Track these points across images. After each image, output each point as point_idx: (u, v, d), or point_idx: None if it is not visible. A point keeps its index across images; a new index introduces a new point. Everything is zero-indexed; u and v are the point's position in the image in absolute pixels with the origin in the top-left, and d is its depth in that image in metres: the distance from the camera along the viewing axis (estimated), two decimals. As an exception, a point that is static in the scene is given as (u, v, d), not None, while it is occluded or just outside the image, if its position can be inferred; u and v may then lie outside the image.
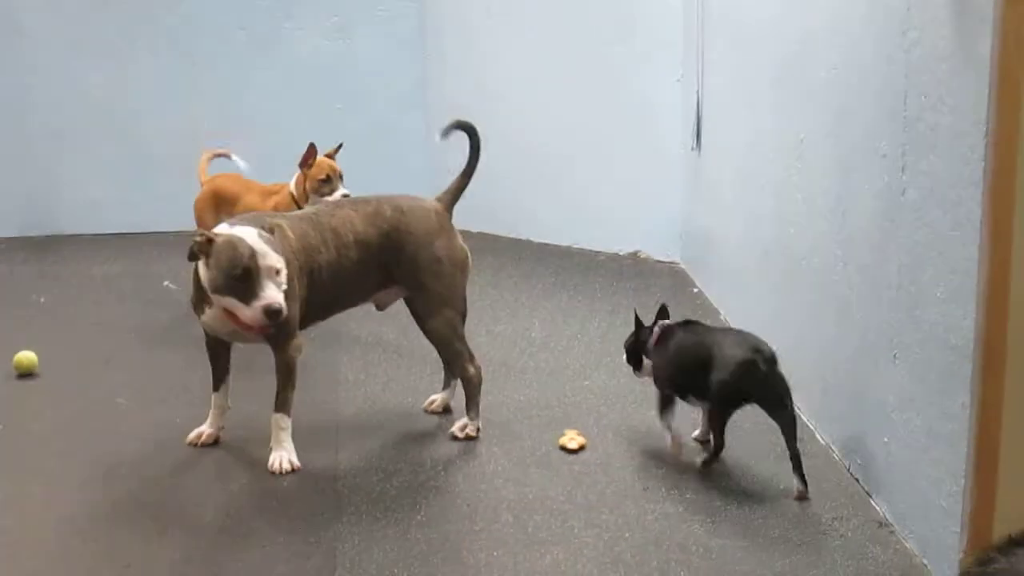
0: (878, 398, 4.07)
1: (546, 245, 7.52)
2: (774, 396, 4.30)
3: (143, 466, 4.57)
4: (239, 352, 4.75)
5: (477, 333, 5.96)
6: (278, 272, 4.19)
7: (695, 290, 6.63)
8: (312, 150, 6.02)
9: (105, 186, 8.14)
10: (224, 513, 4.13)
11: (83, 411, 5.16)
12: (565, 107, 7.49)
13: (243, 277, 4.15)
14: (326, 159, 6.11)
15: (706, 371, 4.34)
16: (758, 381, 4.28)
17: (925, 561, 3.71)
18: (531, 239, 7.63)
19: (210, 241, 4.21)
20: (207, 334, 4.58)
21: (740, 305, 5.94)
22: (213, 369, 4.65)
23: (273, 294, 4.16)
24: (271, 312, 4.15)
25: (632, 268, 7.13)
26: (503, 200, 7.80)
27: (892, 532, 3.94)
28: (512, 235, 7.78)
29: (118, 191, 8.17)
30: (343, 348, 5.85)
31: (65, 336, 6.10)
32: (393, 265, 4.70)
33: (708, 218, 6.57)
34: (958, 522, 3.47)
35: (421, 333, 4.84)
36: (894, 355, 3.92)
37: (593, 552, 3.87)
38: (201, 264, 4.28)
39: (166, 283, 6.85)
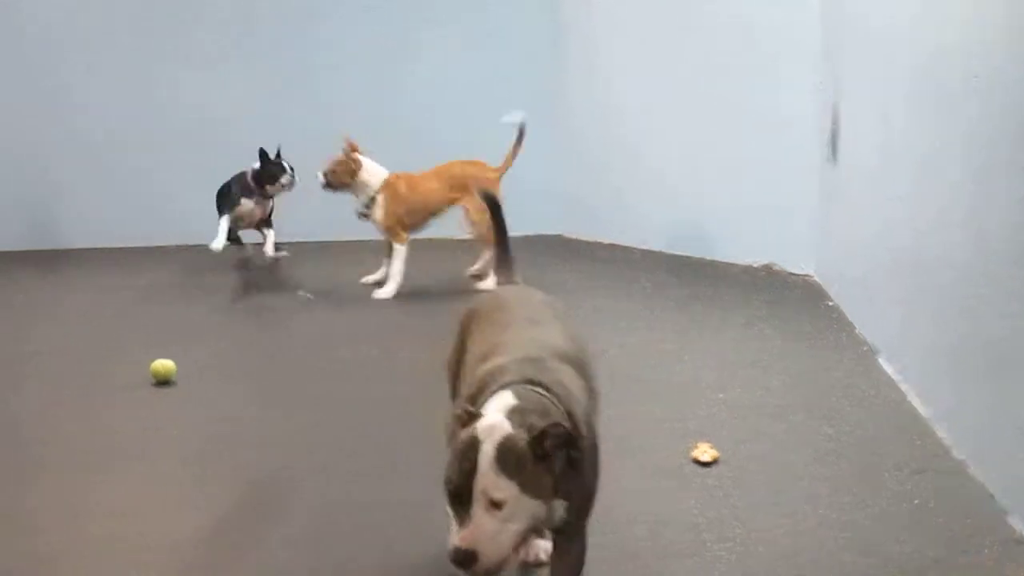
0: (1014, 413, 4.02)
1: (678, 257, 7.50)
2: None
3: (276, 474, 4.66)
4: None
5: (609, 345, 5.98)
6: (496, 504, 2.82)
7: (829, 303, 6.57)
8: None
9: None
10: (352, 523, 4.14)
11: (217, 418, 5.26)
12: (698, 118, 7.47)
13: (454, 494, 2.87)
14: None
15: None
16: None
17: (1063, 580, 3.66)
18: (663, 251, 7.62)
19: (471, 417, 2.92)
20: None
21: (874, 318, 5.88)
22: None
23: (473, 531, 2.82)
24: (456, 558, 2.85)
25: (766, 280, 7.09)
26: (635, 212, 7.81)
27: (1029, 550, 3.89)
28: (644, 247, 7.78)
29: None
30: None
31: (202, 344, 6.22)
32: None
33: (842, 230, 6.51)
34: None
35: None
36: (1031, 370, 3.87)
37: (725, 566, 3.86)
38: None
39: (301, 292, 6.95)
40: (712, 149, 7.44)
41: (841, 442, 4.81)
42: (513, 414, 2.88)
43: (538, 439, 2.82)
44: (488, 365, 3.16)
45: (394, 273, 7.02)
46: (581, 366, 3.25)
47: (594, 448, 3.11)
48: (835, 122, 6.53)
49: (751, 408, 5.17)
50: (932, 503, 4.25)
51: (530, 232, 8.13)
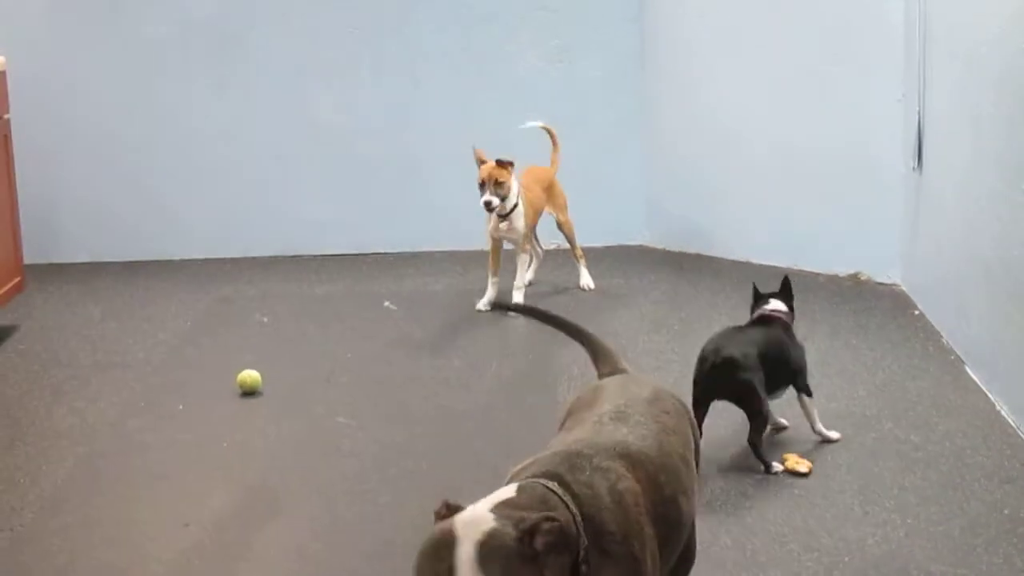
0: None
1: (765, 267, 7.47)
2: (728, 393, 4.69)
3: (363, 485, 4.68)
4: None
5: (695, 356, 5.97)
6: None
7: (916, 312, 6.52)
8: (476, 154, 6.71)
9: (328, 207, 8.32)
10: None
11: (304, 429, 5.29)
12: (783, 126, 7.44)
13: None
14: (488, 164, 6.67)
15: None
16: (704, 377, 4.71)
17: None
18: (750, 260, 7.59)
19: (450, 510, 2.45)
20: None
21: (962, 327, 5.83)
22: None
23: None
24: None
25: (852, 290, 7.05)
26: (721, 221, 7.79)
27: (1123, 561, 3.84)
28: (731, 257, 7.75)
29: (341, 212, 8.34)
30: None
31: (288, 355, 6.25)
32: None
33: (930, 239, 6.47)
34: None
35: None
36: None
37: (812, 576, 3.85)
38: None
39: (387, 303, 6.98)
40: (798, 159, 7.40)
41: (929, 451, 4.77)
42: (500, 507, 2.41)
43: (527, 534, 2.32)
44: (526, 462, 2.71)
45: (521, 284, 6.92)
46: (653, 466, 2.76)
47: (633, 560, 2.56)
48: (920, 129, 6.48)
49: (838, 417, 5.14)
50: (1023, 512, 4.21)
51: (612, 243, 8.12)
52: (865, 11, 7.00)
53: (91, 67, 8.16)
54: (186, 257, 8.24)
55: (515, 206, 6.79)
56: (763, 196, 7.58)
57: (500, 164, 6.63)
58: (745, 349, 4.71)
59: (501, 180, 6.61)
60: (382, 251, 8.24)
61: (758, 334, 4.86)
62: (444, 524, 2.37)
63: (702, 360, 4.75)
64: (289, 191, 8.32)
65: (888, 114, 6.89)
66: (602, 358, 3.51)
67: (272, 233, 8.33)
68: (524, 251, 6.95)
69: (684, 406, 3.22)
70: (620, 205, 8.11)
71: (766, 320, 4.97)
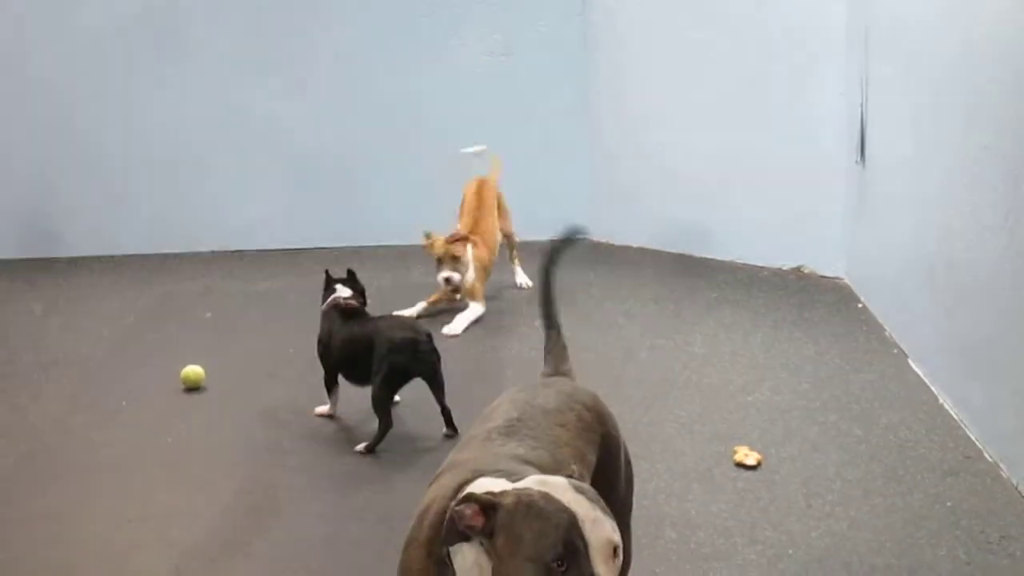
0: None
1: (708, 260, 7.49)
2: (429, 369, 5.00)
3: (306, 478, 4.67)
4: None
5: (639, 348, 5.99)
6: (616, 550, 2.35)
7: (859, 305, 6.55)
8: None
9: (266, 203, 8.29)
10: (386, 527, 4.03)
11: (248, 424, 5.28)
12: (726, 121, 7.46)
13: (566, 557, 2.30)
14: (439, 241, 6.63)
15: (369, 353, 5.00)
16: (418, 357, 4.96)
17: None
18: (692, 254, 7.60)
19: (493, 508, 2.37)
20: None
21: (905, 320, 5.87)
22: None
23: None
24: None
25: (796, 283, 7.08)
26: (664, 216, 7.81)
27: (1063, 552, 3.88)
28: (674, 250, 7.77)
29: (281, 207, 8.30)
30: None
31: (231, 351, 6.23)
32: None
33: (873, 232, 6.50)
34: None
35: None
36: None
37: (756, 570, 3.87)
38: (467, 552, 2.42)
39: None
40: (740, 153, 7.42)
41: (873, 444, 4.80)
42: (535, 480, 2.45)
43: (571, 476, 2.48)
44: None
45: (465, 321, 6.64)
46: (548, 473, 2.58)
47: None
48: (863, 124, 6.51)
49: (781, 411, 5.17)
50: (965, 505, 4.25)
51: (557, 236, 8.10)
52: (807, 6, 7.01)
53: (34, 58, 8.09)
54: (128, 252, 8.18)
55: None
56: (707, 189, 7.59)
57: (454, 240, 6.61)
58: None
59: (457, 255, 6.59)
60: (324, 246, 8.19)
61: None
62: (522, 491, 2.36)
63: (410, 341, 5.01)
64: (229, 186, 8.28)
65: (831, 108, 6.92)
66: (551, 356, 3.47)
67: (213, 228, 8.28)
68: (480, 302, 6.77)
69: (598, 413, 3.09)
70: (563, 199, 8.09)
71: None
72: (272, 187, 8.29)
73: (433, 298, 6.80)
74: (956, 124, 5.01)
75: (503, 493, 2.37)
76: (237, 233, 8.28)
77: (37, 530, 4.28)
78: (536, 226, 7.75)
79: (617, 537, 2.34)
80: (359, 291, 5.44)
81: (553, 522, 2.30)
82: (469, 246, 6.70)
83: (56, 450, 5.03)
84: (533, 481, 2.41)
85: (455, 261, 6.57)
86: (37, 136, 8.17)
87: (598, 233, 7.97)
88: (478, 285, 6.76)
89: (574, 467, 2.66)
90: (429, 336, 5.05)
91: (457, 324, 6.52)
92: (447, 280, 6.58)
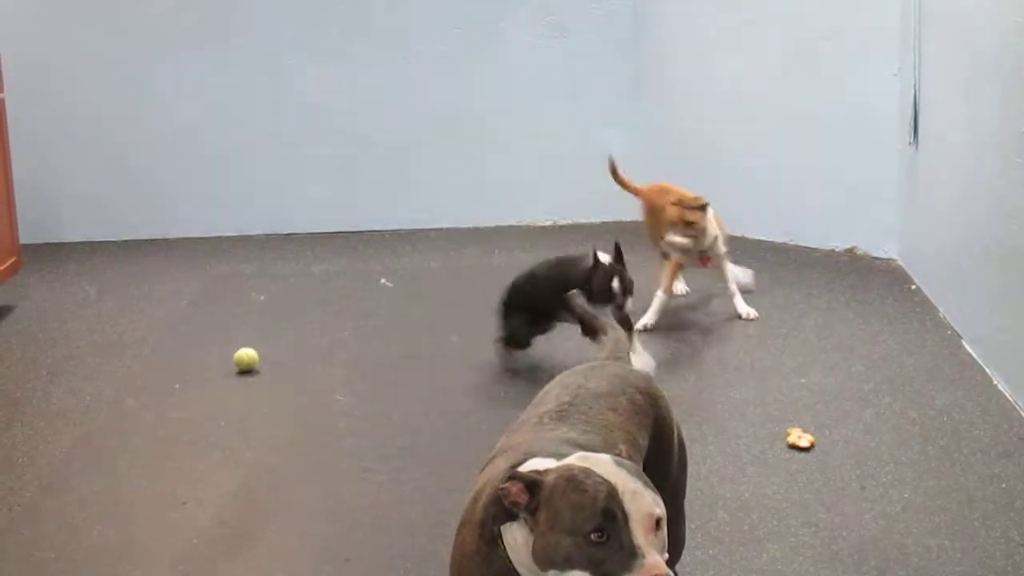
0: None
1: (761, 242, 7.47)
2: None
3: (360, 462, 4.69)
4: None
5: (693, 331, 5.98)
6: (659, 523, 2.39)
7: (913, 287, 6.52)
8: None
9: (324, 185, 8.32)
10: (438, 509, 4.11)
11: (302, 407, 5.30)
12: (780, 102, 7.43)
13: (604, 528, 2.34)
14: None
15: None
16: None
17: None
18: (746, 235, 7.58)
19: (536, 485, 2.42)
20: None
21: (959, 302, 5.84)
22: None
23: (656, 561, 2.34)
24: None
25: (848, 265, 7.05)
26: (718, 198, 7.77)
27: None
28: (728, 232, 7.74)
29: (335, 190, 8.33)
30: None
31: (285, 333, 6.24)
32: None
33: (926, 214, 6.46)
34: None
35: None
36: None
37: (810, 551, 3.86)
38: (516, 531, 2.46)
39: (383, 281, 6.97)
40: (792, 133, 7.39)
41: (926, 426, 4.78)
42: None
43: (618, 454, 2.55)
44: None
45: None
46: None
47: None
48: (915, 105, 6.48)
49: (835, 393, 5.15)
50: (1020, 486, 4.23)
51: (609, 218, 8.08)
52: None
53: (86, 48, 8.12)
54: (182, 236, 8.22)
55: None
56: (759, 170, 7.57)
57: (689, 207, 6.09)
58: None
59: (691, 221, 6.07)
60: (378, 229, 8.22)
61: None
62: (563, 467, 2.42)
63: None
64: (283, 169, 8.30)
65: (884, 88, 6.88)
66: (607, 340, 3.43)
67: (267, 211, 8.31)
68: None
69: (651, 395, 3.08)
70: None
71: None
72: (324, 171, 8.30)
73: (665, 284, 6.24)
74: (1010, 104, 4.97)
75: (546, 471, 2.43)
76: (289, 216, 8.31)
77: (93, 512, 4.32)
78: (593, 207, 7.81)
79: (659, 510, 2.38)
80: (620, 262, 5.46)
81: (591, 494, 2.35)
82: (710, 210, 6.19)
83: (111, 432, 5.07)
84: (576, 458, 2.46)
85: (689, 227, 6.03)
86: (100, 121, 8.23)
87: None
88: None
89: (622, 447, 2.68)
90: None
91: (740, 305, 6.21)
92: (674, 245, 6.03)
